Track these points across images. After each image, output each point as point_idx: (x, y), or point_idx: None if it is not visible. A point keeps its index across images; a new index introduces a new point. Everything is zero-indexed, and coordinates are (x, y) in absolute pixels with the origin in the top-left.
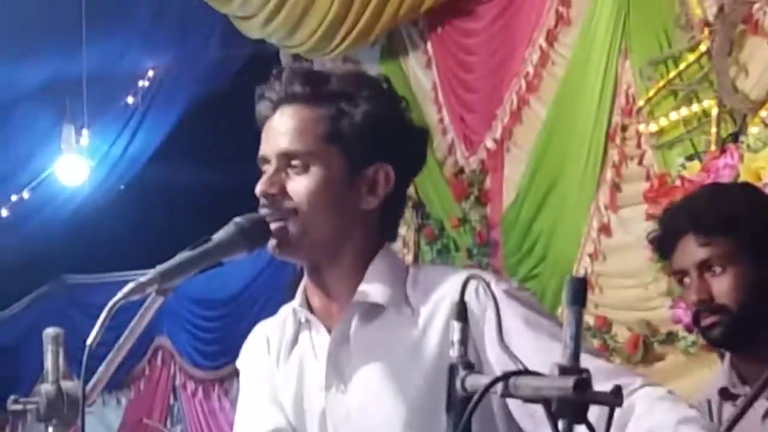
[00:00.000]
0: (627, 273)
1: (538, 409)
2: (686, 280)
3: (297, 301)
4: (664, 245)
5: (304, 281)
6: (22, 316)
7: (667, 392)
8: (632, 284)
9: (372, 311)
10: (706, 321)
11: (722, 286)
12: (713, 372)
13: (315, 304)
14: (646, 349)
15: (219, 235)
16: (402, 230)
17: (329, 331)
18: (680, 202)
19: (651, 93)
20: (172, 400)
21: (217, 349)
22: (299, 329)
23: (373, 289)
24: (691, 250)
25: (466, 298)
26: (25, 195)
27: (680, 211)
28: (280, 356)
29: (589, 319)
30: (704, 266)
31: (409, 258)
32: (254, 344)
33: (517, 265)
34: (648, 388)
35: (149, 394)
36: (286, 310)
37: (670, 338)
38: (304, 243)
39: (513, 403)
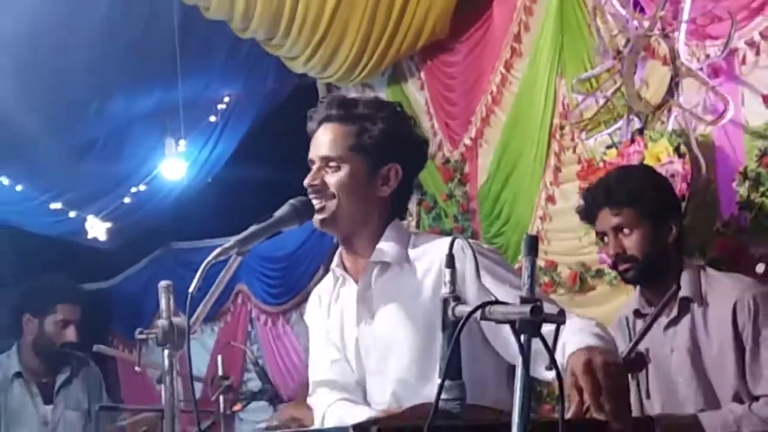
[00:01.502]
0: (567, 229)
1: (506, 331)
2: (606, 238)
3: (335, 262)
4: (587, 215)
5: (340, 248)
6: (143, 272)
7: (590, 318)
8: (571, 237)
9: (385, 267)
10: (622, 267)
11: (631, 242)
12: (629, 298)
13: (347, 264)
14: (581, 282)
15: (278, 212)
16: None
17: (357, 283)
18: (597, 183)
19: (580, 101)
20: (249, 328)
21: (280, 291)
22: (338, 285)
23: (383, 252)
24: (607, 219)
25: (453, 252)
26: (142, 188)
27: (597, 190)
28: (330, 307)
29: (540, 263)
30: (618, 229)
31: (413, 224)
32: (312, 302)
33: (489, 226)
34: (578, 318)
35: (234, 324)
36: (329, 276)
37: (599, 274)
38: (339, 220)
39: (488, 331)
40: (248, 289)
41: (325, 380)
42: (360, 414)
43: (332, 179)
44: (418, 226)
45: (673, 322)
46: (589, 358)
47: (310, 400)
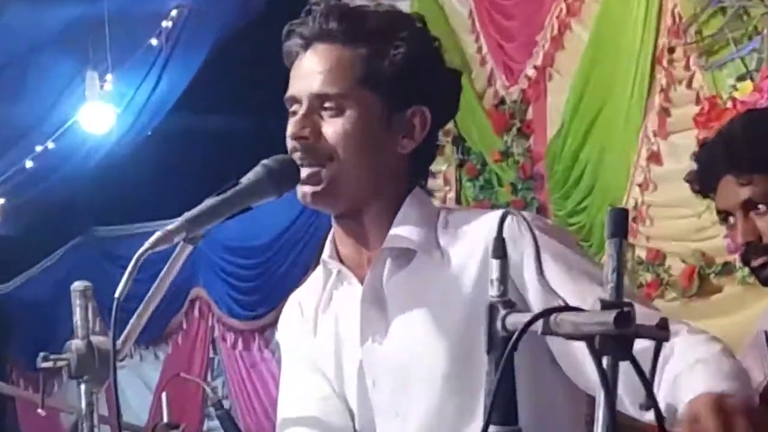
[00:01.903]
0: (679, 202)
1: (580, 350)
2: (731, 219)
3: (326, 253)
4: (703, 185)
5: (333, 231)
6: (53, 271)
7: (708, 337)
8: (685, 214)
9: (403, 256)
10: (757, 262)
11: None
12: None
13: (345, 254)
14: (701, 281)
15: (246, 179)
16: (442, 166)
17: (361, 281)
18: (715, 138)
19: (698, 10)
20: (211, 353)
21: (256, 299)
22: (332, 285)
23: (403, 233)
24: (732, 191)
25: (504, 234)
26: (50, 145)
27: (716, 149)
28: (317, 320)
29: (641, 252)
30: (748, 206)
31: (451, 196)
32: (288, 314)
33: (563, 198)
34: (690, 334)
35: (187, 347)
36: (316, 274)
37: (727, 269)
38: (340, 191)
39: (556, 349)
40: (208, 295)
41: (305, 422)
42: None
43: (331, 129)
44: (458, 199)
45: None
46: (720, 400)
47: None
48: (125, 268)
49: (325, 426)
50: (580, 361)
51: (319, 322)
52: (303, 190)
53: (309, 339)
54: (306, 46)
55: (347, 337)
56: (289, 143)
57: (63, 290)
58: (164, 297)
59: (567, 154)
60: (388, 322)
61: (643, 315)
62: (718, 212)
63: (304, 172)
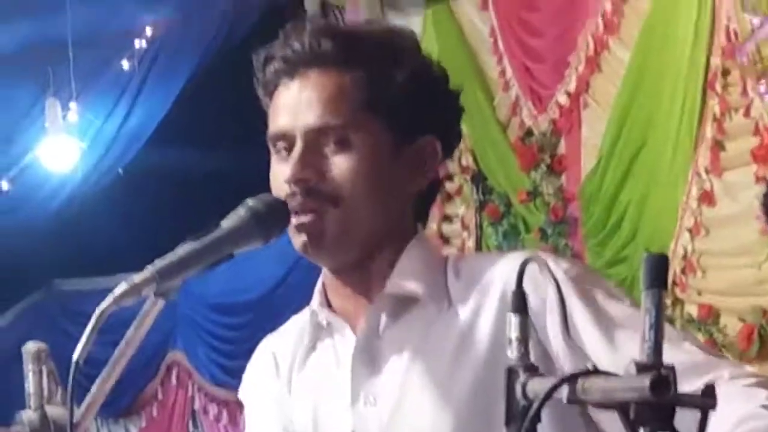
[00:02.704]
0: (736, 250)
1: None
2: None
3: (315, 301)
4: None
5: (324, 277)
6: (7, 330)
7: (751, 384)
8: (743, 264)
9: (405, 305)
10: None
11: None
12: None
13: (338, 304)
14: (762, 342)
15: (228, 222)
16: (460, 209)
17: (356, 333)
18: None
19: (756, 26)
20: (191, 428)
21: (244, 364)
22: (317, 336)
23: (407, 279)
24: None
25: (524, 283)
26: (5, 185)
27: None
28: (292, 374)
29: (691, 309)
30: None
31: (470, 243)
32: (259, 365)
33: (601, 246)
34: (735, 381)
35: (164, 420)
36: (298, 319)
37: None
38: (348, 240)
39: (598, 414)
40: (188, 359)
41: None
42: None
43: (337, 167)
44: (479, 246)
45: None
46: None
47: None
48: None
49: None
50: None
51: (296, 378)
52: (303, 240)
53: (283, 397)
54: (292, 74)
55: (333, 397)
56: (283, 186)
57: (18, 352)
58: (137, 362)
59: (605, 194)
60: (384, 379)
61: (688, 363)
62: None
63: (304, 218)
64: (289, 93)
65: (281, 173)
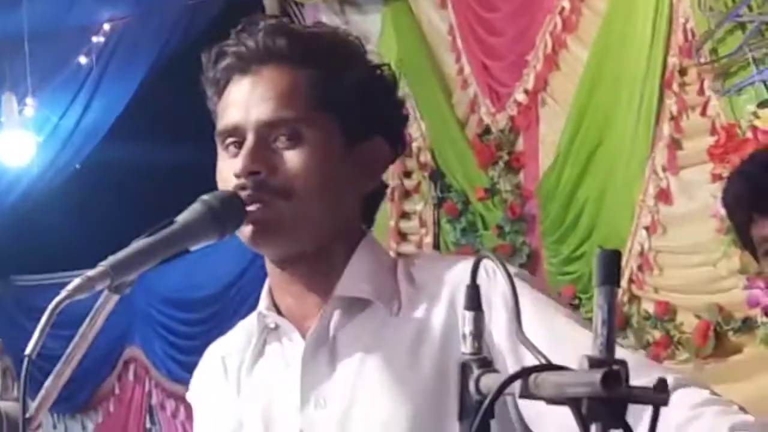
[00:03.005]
0: (692, 248)
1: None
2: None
3: (263, 305)
4: (734, 214)
5: (270, 280)
6: None
7: (708, 394)
8: (699, 261)
9: (355, 308)
10: None
11: None
12: None
13: (286, 306)
14: (718, 339)
15: (183, 217)
16: (418, 206)
17: (304, 337)
18: (738, 173)
19: (713, 26)
20: (148, 423)
21: (200, 359)
22: (266, 340)
23: (357, 282)
24: None
25: (479, 281)
26: None
27: (741, 186)
28: (241, 378)
29: (648, 306)
30: None
31: (428, 240)
32: (207, 369)
33: (558, 243)
34: (686, 389)
35: (121, 416)
36: (245, 323)
37: (747, 325)
38: (294, 231)
39: (530, 413)
40: (145, 354)
41: None
42: None
43: (288, 161)
44: (437, 244)
45: None
46: None
47: None
48: None
49: None
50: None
51: (244, 382)
52: (250, 229)
53: (232, 400)
54: (244, 70)
55: (282, 399)
56: (232, 180)
57: None
58: (94, 357)
59: (562, 191)
60: (334, 381)
61: (640, 370)
62: (763, 240)
63: (252, 208)
64: (240, 89)
65: (229, 168)
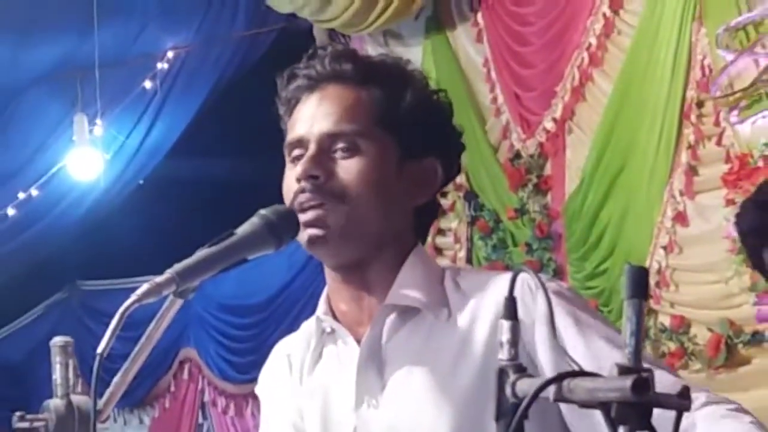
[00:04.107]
0: (706, 267)
1: (597, 419)
2: None
3: (321, 310)
4: (760, 232)
5: (328, 286)
6: (33, 327)
7: (733, 408)
8: (712, 279)
9: (407, 315)
10: None
11: None
12: None
13: (342, 311)
14: (729, 351)
15: (243, 229)
16: (453, 223)
17: (358, 342)
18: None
19: (729, 62)
20: (200, 419)
21: (251, 361)
22: (324, 342)
23: (408, 291)
24: None
25: (516, 294)
26: (34, 192)
27: (756, 214)
28: (303, 375)
29: (664, 320)
30: None
31: (462, 255)
32: (274, 365)
33: (582, 260)
34: (713, 405)
35: (175, 412)
36: (308, 325)
37: (757, 339)
38: (349, 236)
39: (570, 417)
40: (199, 355)
41: None
42: None
43: (345, 168)
44: (469, 258)
45: None
46: None
47: None
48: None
49: None
50: (596, 429)
51: (306, 380)
52: (308, 233)
53: (295, 396)
54: (313, 88)
55: (339, 399)
56: (294, 187)
57: (43, 348)
58: (151, 357)
59: (587, 212)
60: (386, 384)
61: (664, 383)
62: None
63: (310, 214)
64: (308, 105)
65: (293, 177)
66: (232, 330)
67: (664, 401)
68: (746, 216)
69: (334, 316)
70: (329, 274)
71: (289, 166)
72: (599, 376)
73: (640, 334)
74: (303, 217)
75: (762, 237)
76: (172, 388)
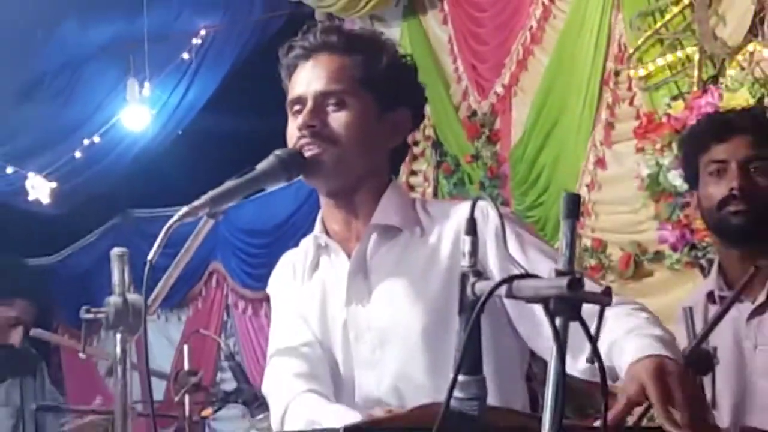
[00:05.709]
0: (619, 200)
1: (537, 314)
2: (722, 170)
3: (317, 229)
4: (700, 141)
5: (322, 210)
6: (95, 244)
7: (636, 308)
8: (624, 210)
9: (387, 233)
10: (734, 207)
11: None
12: (696, 286)
13: (334, 230)
14: (636, 266)
15: (261, 165)
16: (423, 166)
17: (348, 255)
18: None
19: (640, 42)
20: (225, 317)
21: (264, 272)
22: (319, 254)
23: (388, 214)
24: (740, 147)
25: (475, 215)
26: (96, 139)
27: (732, 117)
28: (304, 279)
29: (587, 242)
30: (748, 163)
31: (429, 191)
32: (281, 270)
33: (523, 195)
34: (621, 306)
35: (205, 311)
36: (307, 241)
37: (658, 257)
38: (340, 169)
39: (515, 314)
40: (224, 268)
41: (289, 364)
42: (336, 413)
43: (336, 120)
44: (435, 193)
45: (761, 310)
46: (659, 363)
47: (265, 387)
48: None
49: (306, 366)
50: (536, 324)
51: (307, 282)
52: (308, 166)
53: (298, 294)
54: (307, 57)
55: (333, 298)
56: (297, 134)
57: (102, 262)
58: (187, 268)
59: (527, 158)
60: (372, 289)
61: (590, 286)
62: (714, 162)
63: (308, 153)
64: (304, 70)
65: (295, 127)
66: (249, 248)
67: (591, 297)
68: (698, 127)
69: (328, 235)
70: (323, 200)
71: (291, 118)
72: (541, 278)
73: (573, 245)
74: (306, 154)
75: (709, 142)
76: (203, 293)
